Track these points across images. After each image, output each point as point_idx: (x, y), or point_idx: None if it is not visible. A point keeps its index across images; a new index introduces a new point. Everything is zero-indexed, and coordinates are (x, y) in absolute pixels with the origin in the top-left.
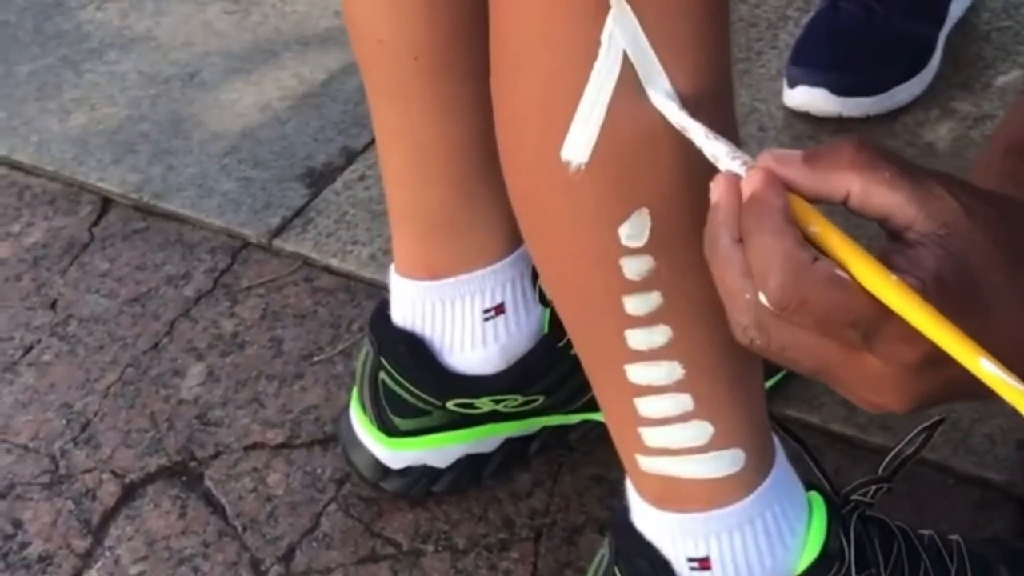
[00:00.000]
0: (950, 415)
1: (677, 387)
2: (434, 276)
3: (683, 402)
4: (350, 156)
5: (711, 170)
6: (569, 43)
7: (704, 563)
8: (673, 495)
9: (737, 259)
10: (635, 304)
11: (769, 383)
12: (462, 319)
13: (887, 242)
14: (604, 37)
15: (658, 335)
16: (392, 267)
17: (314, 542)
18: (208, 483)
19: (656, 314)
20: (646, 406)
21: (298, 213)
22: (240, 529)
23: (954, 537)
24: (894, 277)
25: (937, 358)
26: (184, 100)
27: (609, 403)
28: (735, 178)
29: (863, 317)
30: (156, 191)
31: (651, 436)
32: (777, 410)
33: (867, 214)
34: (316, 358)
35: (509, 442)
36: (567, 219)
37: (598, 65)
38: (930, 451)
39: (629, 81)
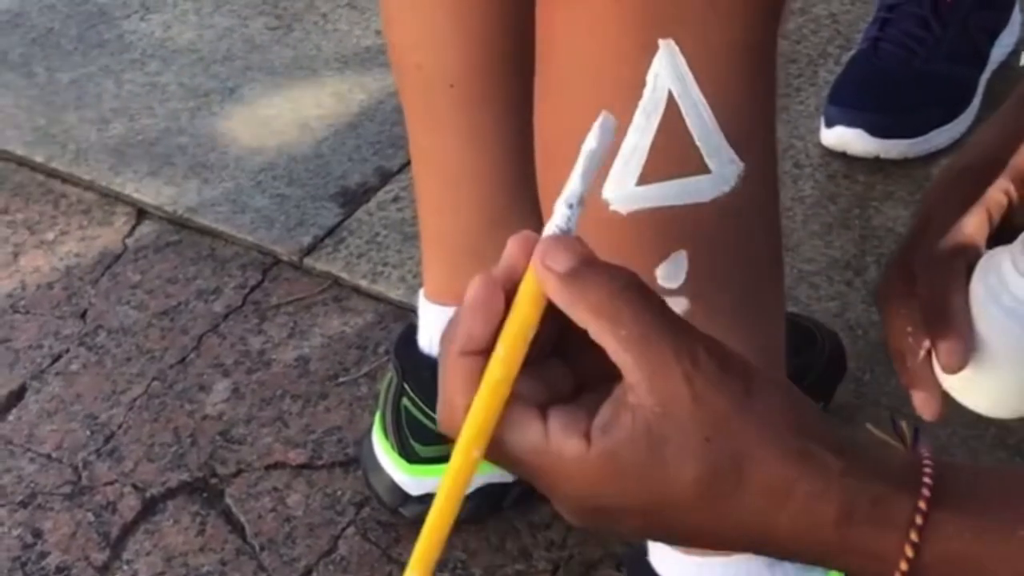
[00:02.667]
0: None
1: None
2: (461, 303)
3: None
4: (384, 177)
5: (752, 215)
6: (615, 81)
7: None
8: None
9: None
10: None
11: None
12: None
13: (618, 385)
14: (650, 77)
15: None
16: (422, 291)
17: (331, 565)
18: (228, 500)
19: None
20: None
21: (330, 232)
22: (258, 548)
23: None
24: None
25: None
26: (223, 114)
27: None
28: (527, 240)
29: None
30: (190, 205)
31: None
32: None
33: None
34: (341, 379)
35: None
36: (604, 257)
37: (643, 104)
38: None
39: (673, 121)
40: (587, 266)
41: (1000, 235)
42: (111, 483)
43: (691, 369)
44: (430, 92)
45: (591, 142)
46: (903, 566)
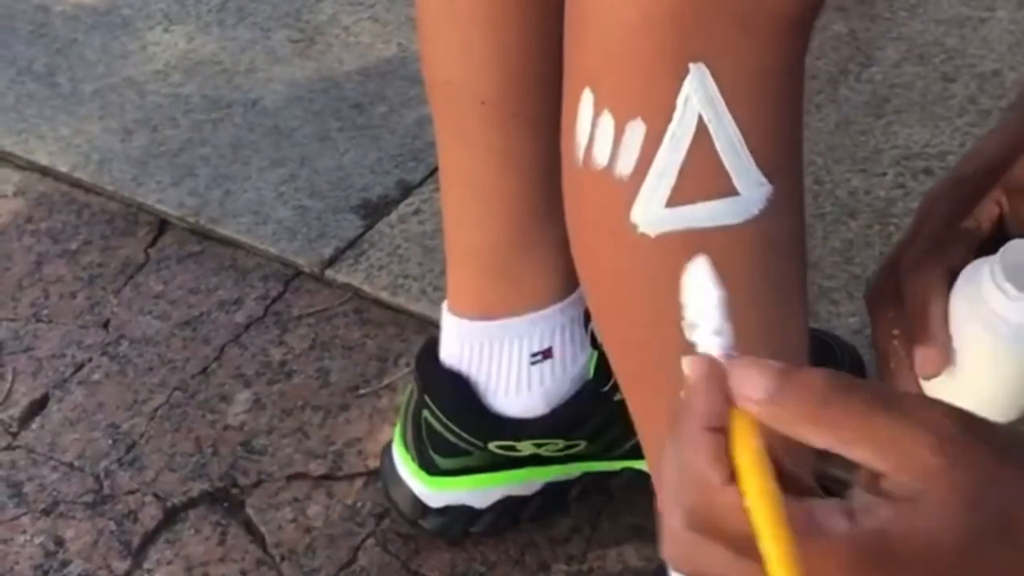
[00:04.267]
0: None
1: None
2: (485, 316)
3: None
4: (406, 189)
5: (780, 238)
6: (643, 107)
7: None
8: None
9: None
10: None
11: None
12: (508, 361)
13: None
14: (680, 101)
15: None
16: (444, 304)
17: None
18: (249, 511)
19: None
20: None
21: (351, 244)
22: (278, 559)
23: None
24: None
25: None
26: (245, 126)
27: (656, 457)
28: (706, 362)
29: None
30: (213, 215)
31: None
32: (818, 468)
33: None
34: (362, 391)
35: (549, 486)
36: (631, 280)
37: (672, 128)
38: None
39: (703, 144)
40: (785, 382)
41: (991, 246)
42: (133, 492)
43: (936, 441)
44: (460, 108)
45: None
46: None
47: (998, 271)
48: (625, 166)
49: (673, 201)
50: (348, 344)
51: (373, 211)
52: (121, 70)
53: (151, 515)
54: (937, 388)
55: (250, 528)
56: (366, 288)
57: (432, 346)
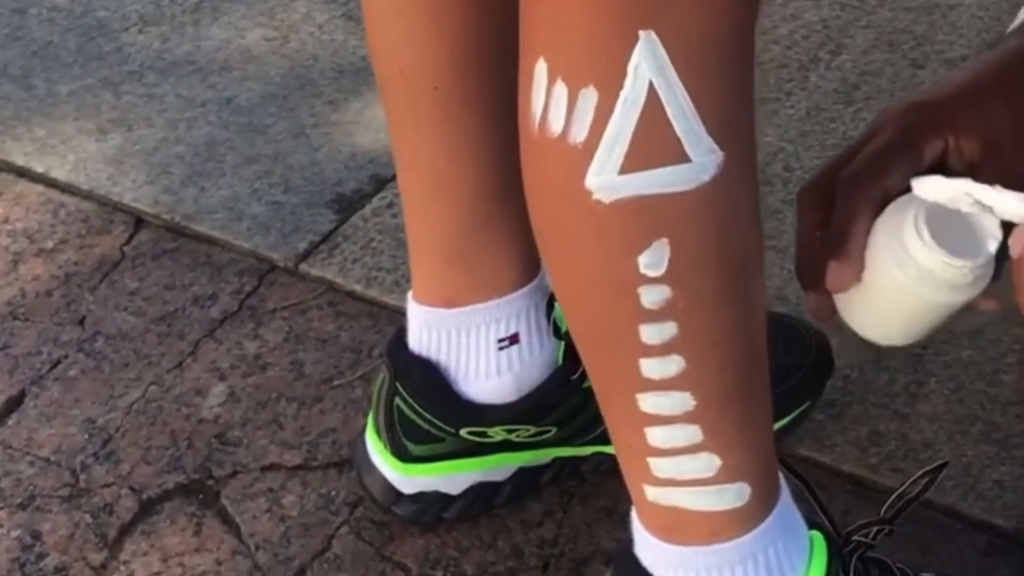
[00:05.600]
0: (961, 460)
1: (687, 418)
2: (450, 304)
3: (692, 433)
4: (379, 183)
5: (732, 204)
6: (595, 75)
7: None
8: (677, 527)
9: None
10: (650, 333)
11: (782, 422)
12: (476, 348)
13: None
14: (631, 68)
15: (671, 365)
16: (410, 293)
17: (325, 564)
18: (224, 502)
19: (670, 344)
20: (655, 436)
21: (325, 238)
22: (253, 548)
23: None
24: None
25: None
26: (219, 124)
27: (619, 431)
28: None
29: None
30: (187, 212)
31: (659, 466)
32: (789, 449)
33: None
34: (336, 382)
35: (521, 471)
36: (588, 247)
37: (624, 95)
38: (939, 495)
39: (654, 111)
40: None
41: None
42: (108, 485)
43: None
44: (414, 96)
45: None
46: None
47: (921, 214)
48: (579, 133)
49: (626, 168)
50: (322, 336)
51: (347, 205)
52: (96, 71)
53: (127, 507)
54: (842, 297)
55: (225, 519)
56: (340, 281)
57: (403, 334)
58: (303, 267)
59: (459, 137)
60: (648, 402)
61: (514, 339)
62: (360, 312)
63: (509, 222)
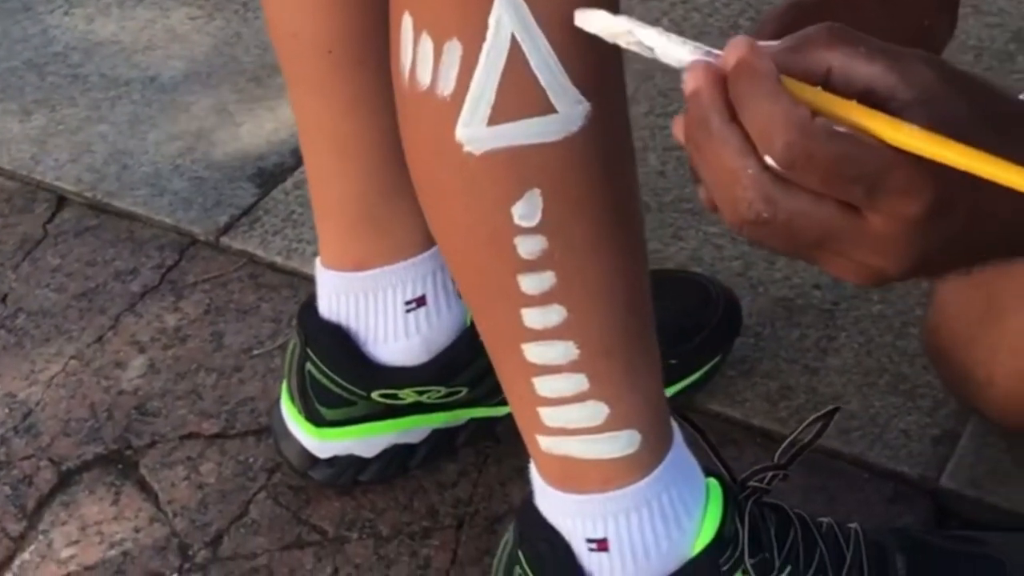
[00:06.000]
0: (868, 411)
1: (572, 367)
2: (357, 268)
3: (579, 382)
4: (300, 157)
5: (603, 153)
6: (459, 28)
7: (602, 544)
8: (572, 476)
9: (734, 135)
10: (529, 283)
11: (691, 378)
12: (384, 310)
13: None
14: (492, 21)
15: (552, 314)
16: (318, 259)
17: (242, 528)
18: (143, 471)
19: (550, 293)
20: (543, 386)
21: (247, 212)
22: (171, 515)
23: (852, 525)
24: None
25: (939, 211)
26: (143, 102)
27: (509, 383)
28: (709, 63)
29: (867, 169)
30: (110, 190)
31: (549, 416)
32: (700, 404)
33: (849, 90)
34: (256, 352)
35: (436, 433)
36: (463, 199)
37: (487, 48)
38: (846, 445)
39: (518, 63)
40: (796, 35)
41: None
42: (28, 458)
43: (927, 60)
44: (308, 60)
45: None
46: None
47: None
48: (446, 86)
49: (494, 120)
50: (243, 308)
51: (268, 179)
52: (21, 53)
53: (46, 479)
54: None
55: (144, 487)
56: (261, 253)
57: (313, 300)
58: (224, 240)
59: (356, 99)
60: (533, 352)
61: (421, 301)
62: (280, 283)
63: (412, 184)
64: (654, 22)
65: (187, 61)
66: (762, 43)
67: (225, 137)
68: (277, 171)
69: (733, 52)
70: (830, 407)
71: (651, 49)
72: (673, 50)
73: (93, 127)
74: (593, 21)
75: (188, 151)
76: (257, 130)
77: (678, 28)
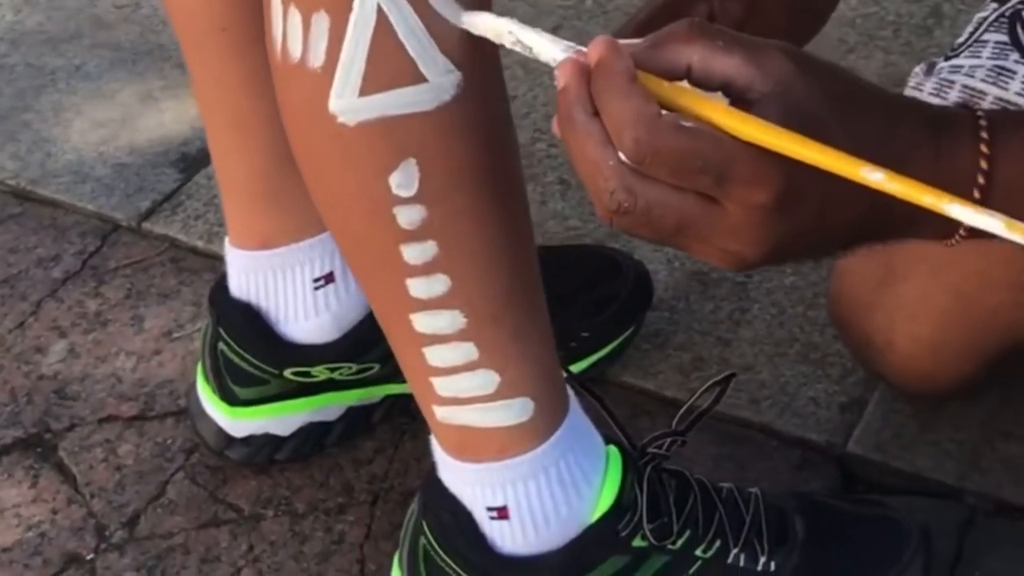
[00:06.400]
0: (779, 380)
1: (460, 336)
2: (264, 246)
3: (468, 351)
4: None
5: (479, 122)
6: (325, 0)
7: (502, 512)
8: (469, 445)
9: (595, 129)
10: (412, 253)
11: (604, 351)
12: (293, 288)
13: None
14: None
15: (437, 284)
16: (227, 239)
17: (159, 508)
18: (61, 454)
19: (433, 263)
20: (434, 355)
21: (169, 197)
22: (88, 497)
23: (753, 490)
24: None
25: (789, 198)
26: (68, 90)
27: (401, 354)
28: (577, 61)
29: (712, 161)
30: (33, 177)
31: (442, 385)
32: (614, 377)
33: (710, 84)
34: (176, 335)
35: (352, 411)
36: (341, 170)
37: (353, 18)
38: (756, 414)
39: (385, 33)
40: (655, 35)
41: None
42: None
43: (785, 51)
44: (204, 39)
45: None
46: (980, 180)
47: None
48: (316, 58)
49: (365, 90)
50: (164, 292)
51: (191, 164)
52: None
53: None
54: None
55: (62, 470)
56: (182, 238)
57: (224, 280)
58: (146, 225)
59: (253, 76)
60: (421, 322)
61: (329, 278)
62: (202, 267)
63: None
64: (579, 4)
65: (113, 49)
66: (625, 41)
67: (149, 124)
68: (200, 156)
69: (595, 50)
70: (727, 373)
71: (530, 48)
72: (548, 49)
73: (18, 116)
74: (478, 22)
75: (112, 138)
76: (181, 116)
77: (602, 9)
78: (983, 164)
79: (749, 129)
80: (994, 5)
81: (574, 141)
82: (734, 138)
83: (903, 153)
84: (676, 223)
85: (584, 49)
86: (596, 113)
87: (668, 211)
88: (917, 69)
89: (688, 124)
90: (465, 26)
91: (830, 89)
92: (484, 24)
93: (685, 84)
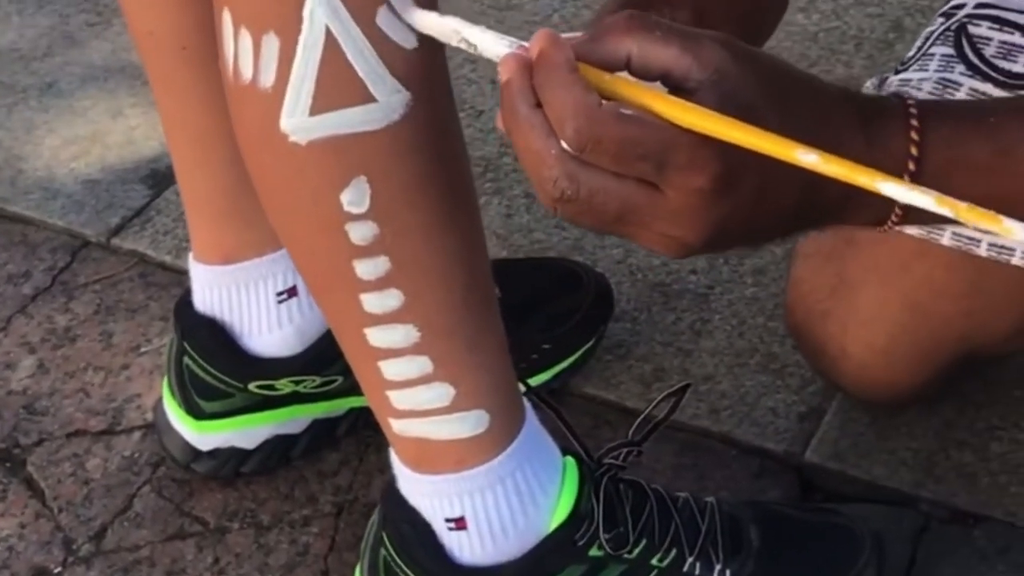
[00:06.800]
0: (739, 390)
1: (415, 350)
2: (227, 261)
3: (422, 364)
4: None
5: (429, 141)
6: (275, 21)
7: (460, 523)
8: (426, 457)
9: (538, 121)
10: (365, 268)
11: (565, 363)
12: (257, 302)
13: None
14: (306, 14)
15: (390, 299)
16: (191, 254)
17: (126, 522)
18: (30, 468)
19: (386, 278)
20: (389, 369)
21: (138, 213)
22: (56, 511)
23: (709, 499)
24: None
25: (727, 182)
26: (40, 108)
27: (358, 368)
28: (519, 55)
29: (651, 148)
30: (3, 195)
31: (397, 399)
32: (575, 388)
33: (649, 74)
34: (144, 349)
35: (317, 423)
36: (293, 188)
37: (302, 40)
38: (716, 424)
39: (334, 54)
40: (595, 27)
41: None
42: None
43: (721, 40)
44: (164, 57)
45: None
46: (910, 166)
47: None
48: (267, 78)
49: (316, 109)
50: (132, 307)
51: (160, 180)
52: None
53: None
54: None
55: (31, 484)
56: (151, 253)
57: (189, 295)
58: (115, 241)
59: (212, 93)
60: (375, 336)
61: (292, 292)
62: (170, 282)
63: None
64: (546, 20)
65: (84, 67)
66: (567, 35)
67: (119, 140)
68: (169, 172)
69: (536, 44)
70: (681, 384)
71: (475, 46)
72: (492, 46)
73: None
74: (424, 21)
75: (82, 155)
76: (151, 132)
77: (568, 24)
78: (913, 150)
79: (687, 116)
80: (941, 19)
81: (518, 132)
82: (673, 125)
83: (835, 138)
84: (617, 209)
85: (527, 44)
86: (539, 105)
87: (610, 198)
88: (868, 84)
89: (628, 112)
90: (413, 25)
91: (764, 77)
92: (430, 23)
93: (625, 74)
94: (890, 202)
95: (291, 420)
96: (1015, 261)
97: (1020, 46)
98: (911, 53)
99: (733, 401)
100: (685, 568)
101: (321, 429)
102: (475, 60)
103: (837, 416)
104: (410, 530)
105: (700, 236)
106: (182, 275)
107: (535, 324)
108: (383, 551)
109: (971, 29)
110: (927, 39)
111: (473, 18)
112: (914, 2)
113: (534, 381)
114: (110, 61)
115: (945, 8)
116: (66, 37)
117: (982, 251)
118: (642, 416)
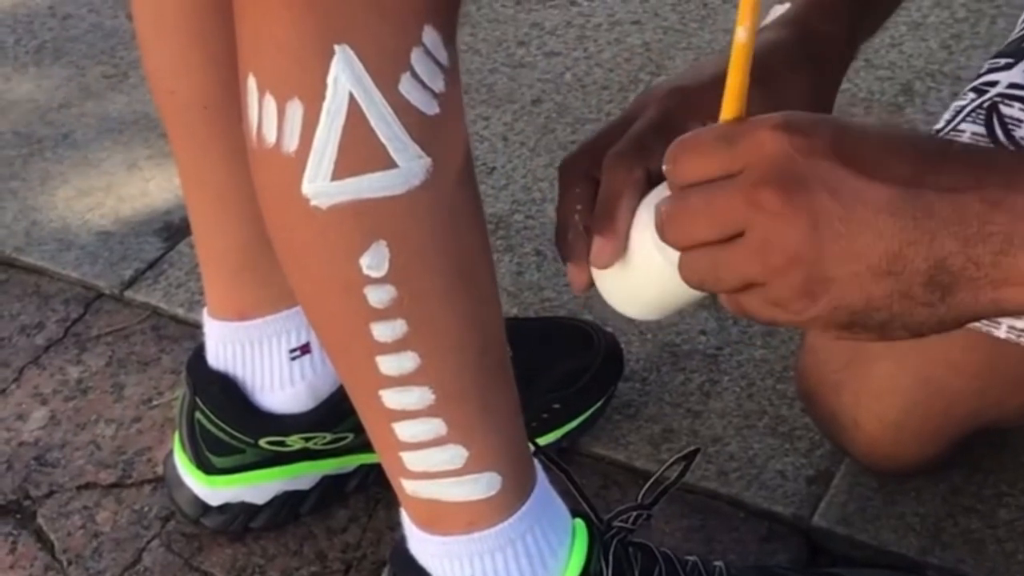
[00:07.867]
0: (747, 452)
1: (429, 412)
2: (242, 317)
3: (436, 427)
4: None
5: (448, 206)
6: (299, 88)
7: None
8: (437, 518)
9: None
10: (382, 331)
11: (575, 423)
12: (270, 359)
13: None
14: (330, 80)
15: (407, 361)
16: (205, 309)
17: None
18: (40, 520)
19: (403, 341)
20: (403, 431)
21: (152, 265)
22: (65, 564)
23: (718, 562)
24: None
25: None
26: (55, 159)
27: (372, 428)
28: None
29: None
30: (18, 245)
31: (411, 460)
32: (585, 448)
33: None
34: (155, 402)
35: (326, 479)
36: (313, 251)
37: (326, 106)
38: (724, 486)
39: (357, 120)
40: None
41: None
42: None
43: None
44: (186, 115)
45: None
46: None
47: None
48: (290, 143)
49: (338, 174)
50: (144, 360)
51: (174, 233)
52: None
53: None
54: (602, 272)
55: (40, 536)
56: (164, 306)
57: (202, 350)
58: (128, 294)
59: (233, 152)
60: (390, 398)
61: (305, 349)
62: (182, 335)
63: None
64: (558, 78)
65: (100, 119)
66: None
67: (134, 192)
68: (183, 225)
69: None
70: (692, 448)
71: None
72: None
73: (5, 184)
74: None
75: (97, 206)
76: (166, 184)
77: (580, 83)
78: None
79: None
80: (972, 95)
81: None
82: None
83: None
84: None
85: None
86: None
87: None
88: None
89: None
90: None
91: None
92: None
93: None
94: None
95: (301, 476)
96: None
97: None
98: (939, 126)
99: (742, 463)
100: None
101: (330, 485)
102: (487, 117)
103: (845, 480)
104: None
105: (800, 254)
106: (195, 328)
107: (545, 384)
108: None
109: (1003, 109)
110: (957, 113)
111: (485, 76)
112: (924, 65)
113: (543, 441)
114: (126, 113)
115: (977, 83)
116: (83, 89)
117: (1001, 333)
118: (652, 479)
